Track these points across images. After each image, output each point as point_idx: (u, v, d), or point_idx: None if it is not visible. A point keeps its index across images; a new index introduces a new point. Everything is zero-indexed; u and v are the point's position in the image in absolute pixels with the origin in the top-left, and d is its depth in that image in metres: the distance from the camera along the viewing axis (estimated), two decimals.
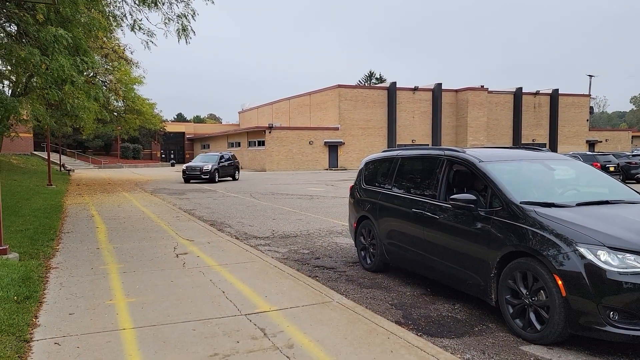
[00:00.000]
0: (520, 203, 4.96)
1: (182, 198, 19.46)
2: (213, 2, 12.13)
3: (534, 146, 6.87)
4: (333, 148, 50.30)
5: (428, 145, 52.58)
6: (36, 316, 5.08)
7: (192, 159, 39.39)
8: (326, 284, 6.66)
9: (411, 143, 52.33)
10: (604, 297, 4.09)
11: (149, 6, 12.31)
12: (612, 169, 26.69)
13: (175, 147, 71.74)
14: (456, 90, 56.02)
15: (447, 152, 6.20)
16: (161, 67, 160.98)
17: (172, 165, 61.36)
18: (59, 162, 38.98)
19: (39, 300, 5.59)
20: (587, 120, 63.50)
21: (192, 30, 12.48)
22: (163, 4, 12.16)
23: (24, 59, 7.96)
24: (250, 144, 52.16)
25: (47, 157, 25.24)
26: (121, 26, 12.56)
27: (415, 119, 54.14)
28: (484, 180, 5.46)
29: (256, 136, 50.45)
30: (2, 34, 11.05)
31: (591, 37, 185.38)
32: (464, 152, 6.03)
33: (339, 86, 50.73)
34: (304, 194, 20.95)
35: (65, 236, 9.96)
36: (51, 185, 22.78)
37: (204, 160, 30.54)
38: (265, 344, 4.40)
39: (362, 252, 7.71)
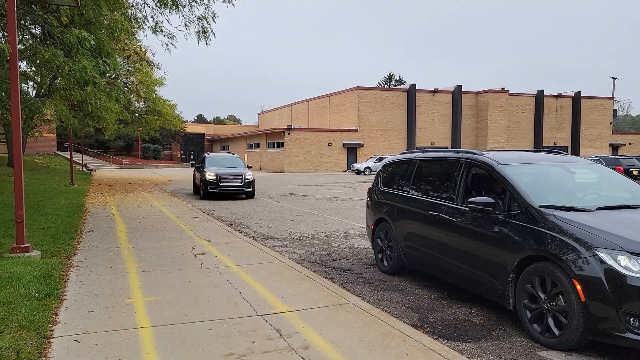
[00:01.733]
0: (539, 207, 4.89)
1: (199, 199, 19.64)
2: (233, 5, 12.26)
3: (555, 149, 6.75)
4: (352, 150, 50.26)
5: (447, 147, 52.18)
6: (56, 313, 5.17)
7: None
8: (342, 286, 6.65)
9: (430, 145, 51.98)
10: (623, 303, 4.01)
11: (170, 8, 12.48)
12: (635, 173, 26.13)
13: (195, 147, 72.46)
14: (476, 93, 55.51)
15: (465, 155, 6.15)
16: (182, 68, 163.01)
17: (192, 165, 61.99)
18: (81, 162, 39.71)
19: (59, 298, 5.69)
20: (611, 123, 62.30)
21: (212, 32, 12.63)
22: (184, 6, 12.33)
23: (48, 60, 8.15)
24: (269, 145, 52.42)
25: (69, 157, 25.74)
26: (143, 28, 12.77)
27: (434, 121, 53.80)
28: (503, 183, 5.40)
29: (275, 137, 50.69)
30: (27, 36, 11.33)
31: (615, 38, 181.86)
32: (483, 154, 5.97)
33: (358, 88, 50.69)
34: (322, 196, 20.97)
35: (86, 235, 10.14)
36: (73, 184, 23.22)
37: (231, 165, 20.38)
38: (280, 344, 4.41)
39: (379, 255, 7.69)
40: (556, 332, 4.47)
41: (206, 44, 12.82)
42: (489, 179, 5.77)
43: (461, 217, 5.74)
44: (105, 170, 46.36)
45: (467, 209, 5.58)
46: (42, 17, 8.51)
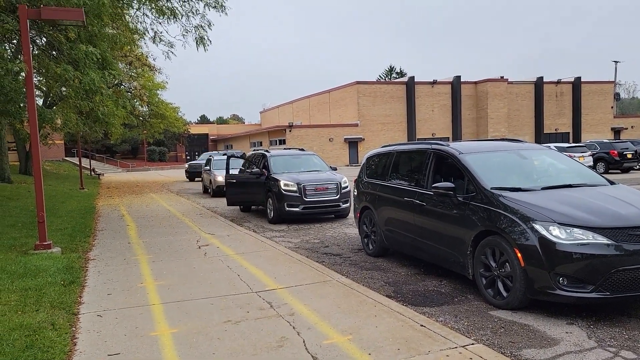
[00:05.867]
0: (491, 189, 5.67)
1: (205, 197, 20.50)
2: (226, 14, 13.06)
3: (515, 139, 7.52)
4: (353, 144, 51.01)
5: (449, 138, 52.81)
6: (80, 296, 6.02)
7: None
8: (331, 268, 7.45)
9: (431, 136, 52.56)
10: (554, 265, 4.78)
11: (168, 18, 13.26)
12: (629, 156, 26.72)
13: (199, 148, 73.38)
14: (475, 82, 55.99)
15: (433, 146, 6.93)
16: (184, 71, 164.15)
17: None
18: (89, 167, 40.76)
19: (81, 285, 6.55)
20: (612, 107, 62.56)
21: (208, 39, 13.45)
22: (182, 16, 13.12)
23: (60, 75, 8.99)
24: (271, 143, 53.27)
25: (78, 163, 26.70)
26: (144, 39, 13.59)
27: (434, 112, 54.38)
28: (462, 169, 6.18)
29: (277, 135, 51.53)
30: (31, 46, 12.18)
31: (617, 21, 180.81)
32: (448, 145, 6.75)
33: (357, 83, 51.36)
34: None
35: (99, 233, 11.01)
36: (83, 188, 24.16)
37: (310, 168, 13.61)
38: (270, 313, 5.23)
39: (365, 239, 8.49)
40: (504, 294, 5.26)
41: (204, 50, 13.63)
42: (452, 166, 6.55)
43: (429, 201, 6.53)
44: (112, 174, 47.38)
45: (433, 193, 6.37)
46: (52, 35, 9.36)
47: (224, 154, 21.44)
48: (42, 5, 8.06)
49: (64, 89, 14.51)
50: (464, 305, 5.57)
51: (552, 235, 4.86)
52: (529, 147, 7.02)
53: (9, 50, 10.59)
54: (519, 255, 5.01)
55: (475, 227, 5.63)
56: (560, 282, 4.79)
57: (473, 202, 5.77)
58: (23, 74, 9.67)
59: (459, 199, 5.98)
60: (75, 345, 4.48)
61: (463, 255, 5.84)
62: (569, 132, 59.84)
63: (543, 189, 5.74)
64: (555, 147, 24.20)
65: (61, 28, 9.28)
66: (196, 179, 29.08)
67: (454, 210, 6.01)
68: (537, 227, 4.95)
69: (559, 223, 4.90)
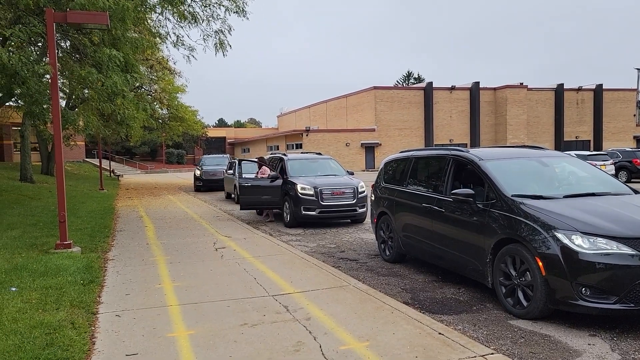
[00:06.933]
0: (512, 196, 5.59)
1: (221, 200, 20.62)
2: (247, 19, 13.15)
3: (537, 146, 7.43)
4: (370, 149, 50.88)
5: (466, 144, 52.38)
6: (99, 296, 6.09)
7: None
8: (347, 273, 7.42)
9: (449, 143, 52.21)
10: (577, 275, 4.69)
11: (189, 22, 13.42)
12: None
13: (216, 151, 73.98)
14: (494, 89, 55.48)
15: (453, 152, 6.86)
16: (203, 75, 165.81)
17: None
18: (109, 168, 41.32)
19: (100, 284, 6.62)
20: (634, 115, 61.41)
21: (228, 44, 13.56)
22: (202, 20, 13.28)
23: (84, 77, 9.15)
24: (288, 147, 53.40)
25: (98, 164, 27.10)
26: (165, 43, 13.78)
27: (452, 118, 53.99)
28: (482, 176, 6.10)
29: (294, 139, 51.64)
30: (57, 51, 12.44)
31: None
32: (468, 151, 6.68)
33: (375, 88, 51.27)
34: None
35: (118, 234, 11.13)
36: (103, 189, 24.49)
37: (326, 172, 13.70)
38: (287, 317, 5.22)
39: (382, 245, 8.44)
40: (525, 303, 5.17)
41: (223, 55, 13.77)
42: (472, 173, 6.48)
43: (448, 207, 6.46)
44: (131, 176, 47.96)
45: (452, 200, 6.30)
46: (77, 38, 9.54)
47: (232, 160, 21.93)
48: (68, 9, 8.22)
49: (86, 91, 14.79)
50: (483, 314, 5.49)
51: (574, 244, 4.76)
52: (551, 154, 6.91)
53: (35, 53, 10.81)
54: (540, 264, 4.92)
55: (495, 235, 5.55)
56: (583, 292, 4.69)
57: (493, 209, 5.69)
58: (47, 76, 9.89)
59: (479, 205, 5.90)
60: (94, 344, 4.53)
61: (482, 263, 5.77)
62: (589, 140, 58.89)
63: (565, 197, 5.64)
64: (576, 155, 23.76)
65: (86, 31, 9.45)
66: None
67: (474, 217, 5.94)
68: (559, 235, 4.86)
69: (582, 232, 4.81)
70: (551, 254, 4.85)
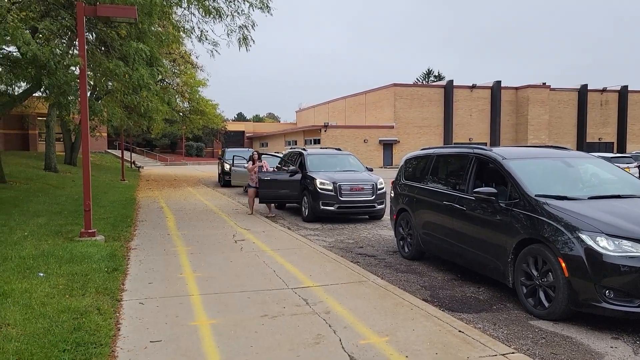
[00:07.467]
0: (535, 196, 5.55)
1: (240, 193, 20.77)
2: (271, 14, 13.21)
3: (561, 146, 7.35)
4: (388, 146, 50.69)
5: (486, 143, 51.84)
6: (123, 284, 6.22)
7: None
8: (365, 268, 7.44)
9: (468, 141, 51.73)
10: (601, 277, 4.65)
11: (214, 17, 13.51)
12: None
13: (235, 145, 74.38)
14: (516, 88, 54.75)
15: (476, 150, 6.83)
16: (224, 69, 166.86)
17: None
18: (130, 160, 41.88)
19: (124, 272, 6.76)
20: None
21: (251, 39, 13.63)
22: (227, 15, 13.36)
23: (111, 70, 9.32)
24: (306, 142, 53.49)
25: (120, 155, 27.52)
26: (190, 38, 13.92)
27: (472, 117, 53.46)
28: (506, 175, 6.07)
29: (312, 135, 51.71)
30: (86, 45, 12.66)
31: None
32: (491, 150, 6.64)
33: (394, 85, 51.01)
34: None
35: (140, 224, 11.32)
36: (124, 180, 24.87)
37: (345, 168, 13.65)
38: (306, 309, 5.28)
39: (401, 242, 8.44)
40: (546, 304, 5.14)
41: (246, 49, 13.84)
42: (495, 172, 6.44)
43: (469, 205, 6.44)
44: (152, 167, 48.55)
45: (474, 198, 6.28)
46: (104, 32, 9.71)
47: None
48: (97, 3, 8.37)
49: (110, 83, 15.04)
50: (503, 313, 5.47)
51: (599, 246, 4.72)
52: (575, 154, 6.83)
53: (64, 45, 11.02)
54: (563, 265, 4.89)
55: (517, 235, 5.52)
56: (607, 295, 4.65)
57: (516, 209, 5.66)
58: (72, 67, 10.08)
59: (501, 204, 5.87)
60: (119, 330, 4.64)
61: (503, 262, 5.74)
62: (613, 142, 57.79)
63: (590, 198, 5.58)
64: (599, 156, 23.35)
65: (114, 25, 9.61)
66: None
67: (496, 216, 5.91)
68: (584, 237, 4.82)
69: (606, 234, 4.76)
70: (575, 255, 4.81)
